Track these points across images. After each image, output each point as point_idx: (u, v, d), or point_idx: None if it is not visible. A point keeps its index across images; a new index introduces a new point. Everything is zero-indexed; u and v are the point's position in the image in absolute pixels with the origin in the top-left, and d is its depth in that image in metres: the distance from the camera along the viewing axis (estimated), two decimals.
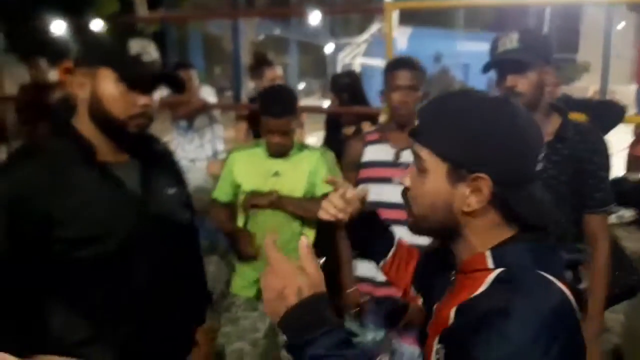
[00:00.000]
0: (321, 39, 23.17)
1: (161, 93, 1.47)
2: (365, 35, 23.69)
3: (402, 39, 23.10)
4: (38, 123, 4.29)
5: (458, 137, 0.88)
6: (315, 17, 5.53)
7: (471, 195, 0.88)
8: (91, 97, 1.34)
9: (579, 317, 0.85)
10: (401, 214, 2.08)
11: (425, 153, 0.92)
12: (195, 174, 3.63)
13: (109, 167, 1.37)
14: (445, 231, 0.95)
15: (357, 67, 19.39)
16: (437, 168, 0.91)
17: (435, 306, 1.04)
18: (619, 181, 2.66)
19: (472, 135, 0.87)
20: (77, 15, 7.54)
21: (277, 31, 22.67)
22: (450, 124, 0.90)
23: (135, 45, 1.34)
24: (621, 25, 18.86)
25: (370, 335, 2.24)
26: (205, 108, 3.79)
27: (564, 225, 1.80)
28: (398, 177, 2.08)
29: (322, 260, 2.35)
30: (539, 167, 0.93)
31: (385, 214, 2.12)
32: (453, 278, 0.99)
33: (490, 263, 0.89)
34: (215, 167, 3.49)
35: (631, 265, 2.03)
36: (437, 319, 0.98)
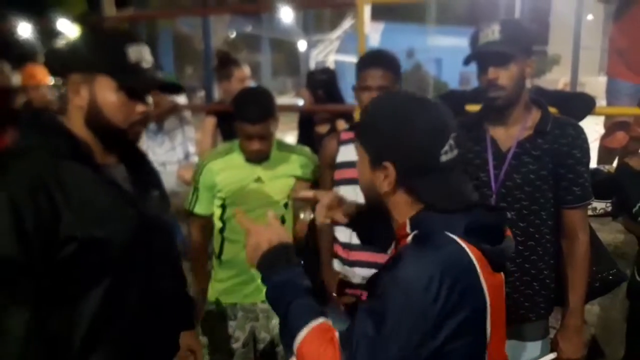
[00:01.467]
0: (294, 36, 23.12)
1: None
2: (338, 32, 23.71)
3: (374, 34, 23.14)
4: (3, 129, 4.16)
5: (375, 134, 1.14)
6: (287, 13, 5.49)
7: (384, 180, 1.12)
8: (89, 105, 1.32)
9: (477, 271, 1.04)
10: None
11: (359, 146, 1.20)
12: (166, 177, 3.51)
13: (105, 169, 1.36)
14: (379, 206, 1.18)
15: (330, 64, 19.40)
16: (364, 158, 1.17)
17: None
18: (591, 173, 2.67)
19: (384, 132, 1.11)
20: (43, 16, 7.35)
21: (248, 28, 22.56)
22: (373, 123, 1.15)
23: (134, 52, 1.32)
24: (590, 17, 19.18)
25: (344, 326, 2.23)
26: (175, 109, 3.70)
27: (544, 219, 1.79)
28: None
29: (301, 263, 2.30)
30: (449, 157, 1.09)
31: None
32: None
33: (408, 229, 1.11)
34: (186, 172, 3.38)
35: (610, 259, 2.04)
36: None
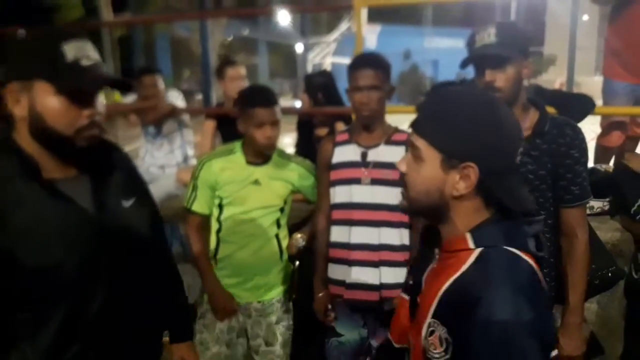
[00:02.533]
0: (291, 39, 23.14)
1: (128, 99, 1.38)
2: (335, 34, 23.76)
3: (371, 36, 23.21)
4: None
5: (452, 131, 1.01)
6: (284, 17, 5.50)
7: (460, 182, 1.02)
8: (30, 114, 1.20)
9: (542, 281, 1.01)
10: (370, 215, 2.11)
11: (422, 143, 1.05)
12: (165, 180, 3.55)
13: (56, 185, 1.23)
14: (435, 213, 1.08)
15: (327, 67, 19.39)
16: (432, 157, 1.04)
17: (423, 277, 1.18)
18: (588, 172, 2.68)
19: (464, 129, 1.00)
20: (42, 24, 7.37)
21: (245, 32, 22.56)
22: (445, 119, 1.03)
23: (71, 50, 1.19)
24: (585, 17, 19.23)
25: (354, 334, 2.23)
26: (173, 113, 3.71)
27: (543, 218, 1.80)
28: (366, 177, 2.09)
29: (297, 264, 2.35)
30: (518, 159, 1.05)
31: (355, 215, 2.13)
32: (437, 255, 1.14)
33: (470, 243, 1.02)
34: (185, 175, 3.40)
35: (609, 256, 2.05)
36: (427, 292, 1.10)
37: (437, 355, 1.01)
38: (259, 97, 2.15)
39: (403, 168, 1.10)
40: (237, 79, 3.55)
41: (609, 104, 3.38)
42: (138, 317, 1.40)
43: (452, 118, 1.02)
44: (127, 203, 1.39)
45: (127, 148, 4.45)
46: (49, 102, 1.19)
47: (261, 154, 2.20)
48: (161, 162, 3.72)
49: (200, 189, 2.22)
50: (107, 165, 1.38)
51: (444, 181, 1.03)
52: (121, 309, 1.34)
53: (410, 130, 1.09)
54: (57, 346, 1.24)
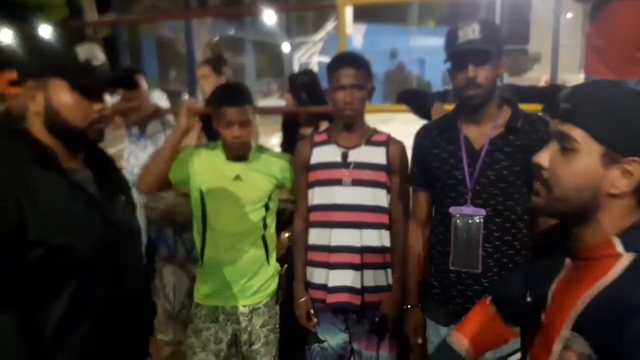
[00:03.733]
0: (277, 38, 23.11)
1: (110, 100, 1.45)
2: (321, 34, 23.73)
3: (357, 36, 23.24)
4: None
5: (616, 122, 0.93)
6: (269, 16, 5.49)
7: (622, 178, 0.93)
8: (46, 109, 1.33)
9: None
10: (352, 216, 2.09)
11: (579, 134, 0.95)
12: None
13: (71, 173, 1.37)
14: (580, 213, 0.98)
15: (314, 66, 19.38)
16: (591, 149, 0.94)
17: (550, 292, 1.06)
18: None
19: (630, 122, 0.92)
20: (25, 22, 7.29)
21: (231, 31, 22.50)
22: (607, 110, 0.94)
23: (83, 51, 1.35)
24: (569, 15, 19.38)
25: (337, 339, 2.22)
26: (157, 113, 3.69)
27: (519, 214, 1.82)
28: (347, 178, 2.08)
29: (284, 267, 2.36)
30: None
31: (336, 216, 2.11)
32: (567, 264, 1.04)
33: (619, 248, 0.93)
34: None
35: None
36: (560, 305, 1.00)
37: None
38: (228, 96, 2.14)
39: (545, 162, 1.00)
40: (202, 77, 3.73)
41: None
42: (134, 303, 1.52)
43: (617, 110, 0.94)
44: (122, 197, 1.53)
45: (111, 150, 4.42)
46: (64, 97, 1.33)
47: (234, 153, 2.19)
48: (145, 163, 3.70)
49: (178, 161, 2.23)
50: (102, 161, 1.51)
51: (602, 177, 0.94)
52: (121, 294, 1.44)
53: (549, 119, 1.02)
54: (65, 326, 1.32)
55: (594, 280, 0.93)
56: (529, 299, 1.16)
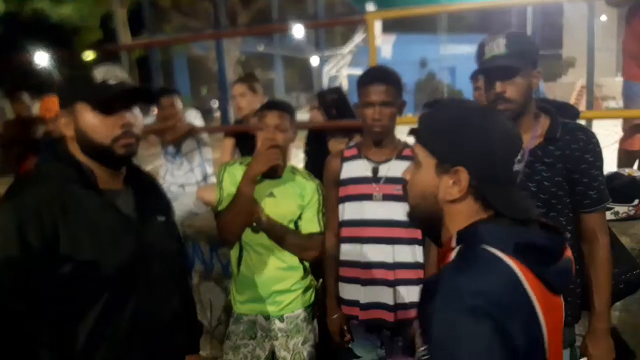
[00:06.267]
0: (306, 52, 23.26)
1: (141, 117, 1.50)
2: (350, 46, 23.83)
3: (386, 47, 23.24)
4: (25, 158, 4.24)
5: (446, 137, 1.07)
6: (298, 30, 5.53)
7: (453, 186, 1.06)
8: (77, 132, 1.42)
9: (528, 296, 0.97)
10: (383, 232, 2.08)
11: (420, 150, 1.12)
12: (185, 199, 3.58)
13: (108, 194, 1.44)
14: (432, 218, 1.12)
15: (343, 79, 19.48)
16: (428, 163, 1.09)
17: None
18: (611, 177, 2.63)
19: (457, 137, 1.06)
20: (62, 46, 7.52)
21: (261, 48, 22.75)
22: (441, 127, 1.09)
23: (99, 73, 1.41)
24: (604, 17, 19.00)
25: (373, 354, 2.19)
26: (192, 132, 3.76)
27: (563, 225, 1.77)
28: (377, 193, 2.06)
29: (320, 282, 2.33)
30: (518, 167, 1.08)
31: (367, 232, 2.09)
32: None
33: (454, 242, 1.07)
34: (205, 193, 3.43)
35: (632, 259, 2.01)
36: None
37: (422, 353, 1.09)
38: (268, 103, 2.25)
39: (407, 176, 1.16)
40: (239, 95, 3.73)
41: (629, 106, 3.33)
42: (164, 326, 1.54)
43: (446, 125, 1.08)
44: (161, 218, 1.58)
45: (148, 167, 4.49)
46: (87, 118, 1.41)
47: (271, 168, 2.15)
48: (181, 180, 3.76)
49: (226, 189, 2.23)
50: (144, 183, 1.58)
51: (437, 185, 1.08)
52: (150, 316, 1.47)
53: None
54: (94, 341, 1.38)
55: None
56: None
